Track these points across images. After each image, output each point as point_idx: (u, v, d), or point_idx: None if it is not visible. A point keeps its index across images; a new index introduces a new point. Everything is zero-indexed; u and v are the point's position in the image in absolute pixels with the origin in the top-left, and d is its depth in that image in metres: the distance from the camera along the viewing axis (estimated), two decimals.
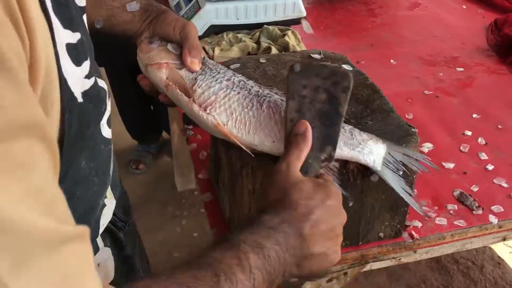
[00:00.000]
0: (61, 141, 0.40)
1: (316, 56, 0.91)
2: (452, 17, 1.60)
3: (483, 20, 1.57)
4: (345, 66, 0.88)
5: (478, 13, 1.64)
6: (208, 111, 0.66)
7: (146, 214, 1.94)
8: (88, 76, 0.43)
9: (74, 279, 0.32)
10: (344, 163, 0.67)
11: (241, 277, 0.45)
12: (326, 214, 0.53)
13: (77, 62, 0.42)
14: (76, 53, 0.41)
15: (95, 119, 0.47)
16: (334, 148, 0.61)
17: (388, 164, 0.68)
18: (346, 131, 0.67)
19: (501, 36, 1.40)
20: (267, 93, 0.69)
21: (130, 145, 2.26)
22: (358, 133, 0.68)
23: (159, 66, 0.69)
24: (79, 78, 0.42)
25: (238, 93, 0.68)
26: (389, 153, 0.68)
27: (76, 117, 0.41)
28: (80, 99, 0.42)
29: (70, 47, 0.41)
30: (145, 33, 0.72)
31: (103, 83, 0.49)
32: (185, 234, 1.90)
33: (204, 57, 0.72)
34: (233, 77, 0.70)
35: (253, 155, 0.66)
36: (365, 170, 0.69)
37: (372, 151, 0.67)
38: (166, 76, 0.69)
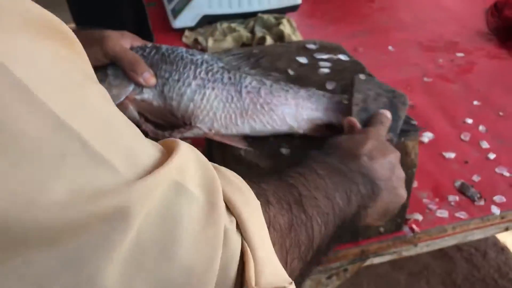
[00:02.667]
0: None
1: (311, 46, 0.88)
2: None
3: (483, 3, 1.53)
4: (341, 56, 0.86)
5: None
6: (192, 123, 0.64)
7: None
8: None
9: None
10: None
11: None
12: (379, 144, 0.59)
13: None
14: None
15: None
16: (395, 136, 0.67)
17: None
18: (304, 93, 0.70)
19: (502, 18, 1.36)
20: (240, 77, 0.67)
21: None
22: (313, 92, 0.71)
23: (124, 106, 0.64)
24: None
25: (213, 88, 0.65)
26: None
27: None
28: None
29: None
30: None
31: None
32: None
33: (145, 56, 0.66)
34: (197, 70, 0.66)
35: (249, 148, 0.65)
36: None
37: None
38: (137, 110, 0.64)
